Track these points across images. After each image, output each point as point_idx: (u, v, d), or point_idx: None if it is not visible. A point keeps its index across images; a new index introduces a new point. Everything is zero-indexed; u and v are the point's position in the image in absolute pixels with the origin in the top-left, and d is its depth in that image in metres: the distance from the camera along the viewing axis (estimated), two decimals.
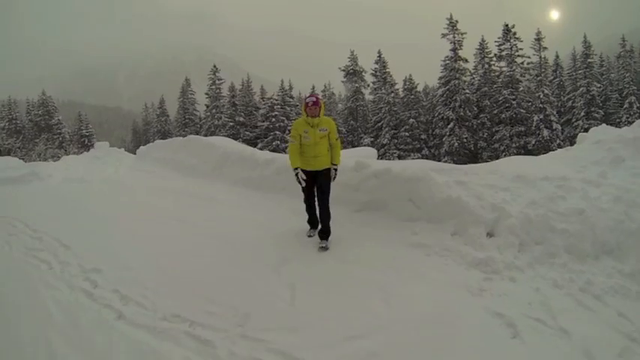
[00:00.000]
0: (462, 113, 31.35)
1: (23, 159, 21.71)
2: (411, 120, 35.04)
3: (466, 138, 31.16)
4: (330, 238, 4.55)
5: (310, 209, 4.78)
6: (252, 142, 34.67)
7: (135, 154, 14.35)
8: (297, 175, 4.46)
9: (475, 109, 32.47)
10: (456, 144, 30.97)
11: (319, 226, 4.64)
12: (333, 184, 4.71)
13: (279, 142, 35.93)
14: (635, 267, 3.72)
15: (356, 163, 5.90)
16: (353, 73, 37.37)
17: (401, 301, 3.27)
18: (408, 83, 37.36)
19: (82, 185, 9.65)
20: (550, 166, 5.71)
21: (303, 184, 4.51)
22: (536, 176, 4.80)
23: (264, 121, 38.74)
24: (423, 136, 35.44)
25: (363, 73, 37.52)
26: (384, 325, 2.94)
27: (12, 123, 48.48)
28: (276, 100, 39.45)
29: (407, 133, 34.78)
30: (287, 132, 37.55)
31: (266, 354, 2.66)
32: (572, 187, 4.57)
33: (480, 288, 3.41)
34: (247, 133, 39.98)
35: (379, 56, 36.63)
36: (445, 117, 32.00)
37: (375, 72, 36.76)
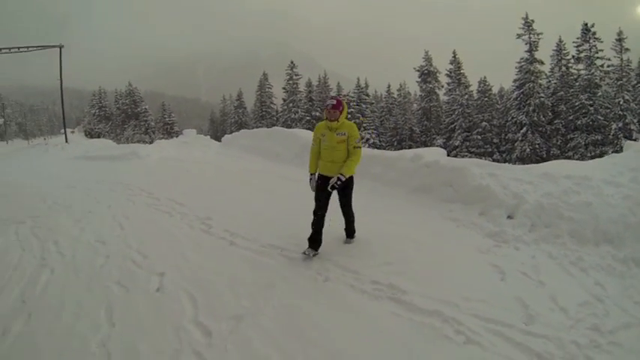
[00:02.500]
0: (535, 118, 30.29)
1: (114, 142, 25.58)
2: (484, 123, 34.48)
3: (538, 144, 30.11)
4: (355, 235, 4.64)
5: (317, 223, 4.26)
6: None
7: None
8: (310, 180, 4.42)
9: (550, 114, 31.11)
10: (528, 150, 29.98)
11: (319, 248, 4.30)
12: (391, 170, 5.76)
13: None
14: (628, 254, 4.37)
15: (413, 154, 7.12)
16: (427, 74, 37.35)
17: (426, 249, 4.38)
18: (482, 85, 36.69)
19: (177, 163, 11.66)
20: (584, 168, 6.33)
21: (313, 191, 4.38)
22: (560, 174, 5.55)
23: None
24: (495, 140, 34.69)
25: (438, 74, 37.32)
26: (410, 259, 4.09)
27: (102, 110, 54.48)
28: (352, 97, 40.40)
29: (479, 136, 34.36)
30: (362, 128, 38.54)
31: (333, 268, 3.94)
32: (589, 185, 5.25)
33: (488, 250, 4.39)
34: None
35: (454, 57, 36.32)
36: (518, 121, 31.08)
37: (450, 73, 36.46)
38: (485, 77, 36.98)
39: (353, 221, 4.58)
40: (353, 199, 4.46)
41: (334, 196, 4.34)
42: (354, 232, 4.65)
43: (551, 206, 4.94)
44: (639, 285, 3.79)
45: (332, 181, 4.10)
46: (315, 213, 4.25)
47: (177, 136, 20.89)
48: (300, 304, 3.32)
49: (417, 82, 38.69)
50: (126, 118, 52.74)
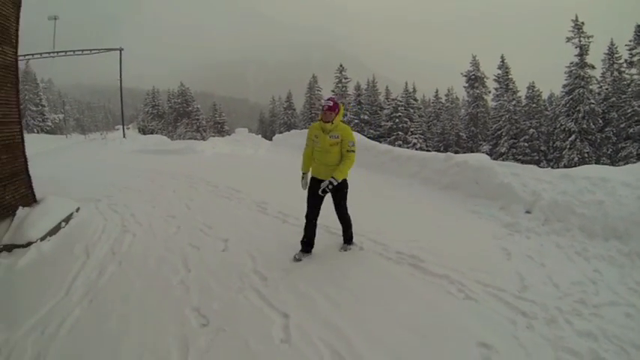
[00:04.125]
0: (585, 125, 29.17)
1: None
2: (532, 130, 33.59)
3: (587, 153, 28.97)
4: (353, 242, 4.63)
5: (308, 229, 4.34)
6: (375, 141, 35.62)
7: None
8: (302, 178, 4.46)
9: (600, 121, 29.81)
10: (576, 159, 28.76)
11: (311, 251, 4.41)
12: (425, 169, 6.59)
13: (401, 143, 36.90)
14: (633, 248, 4.72)
15: (446, 155, 7.86)
16: (474, 79, 36.99)
17: (447, 233, 5.11)
18: (531, 91, 35.74)
19: (231, 158, 12.91)
20: (607, 171, 6.74)
21: (305, 189, 4.42)
22: (579, 175, 6.06)
23: (387, 121, 40.09)
24: (542, 148, 33.61)
25: (485, 79, 36.89)
26: (432, 238, 4.82)
27: (155, 108, 57.44)
28: (400, 101, 40.41)
29: (526, 144, 33.49)
30: (409, 133, 38.90)
31: (367, 241, 4.74)
32: (605, 185, 5.69)
33: (502, 237, 5.01)
34: (371, 131, 41.39)
35: (502, 61, 35.65)
36: (566, 129, 30.02)
37: (498, 78, 35.85)
38: (533, 82, 36.16)
39: (350, 226, 4.52)
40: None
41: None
42: (351, 237, 4.60)
43: (565, 203, 5.48)
44: (637, 275, 4.15)
45: (323, 185, 4.05)
46: (307, 216, 4.31)
47: (228, 135, 22.34)
48: (338, 264, 4.17)
49: (465, 87, 38.43)
50: (178, 116, 55.49)
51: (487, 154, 29.00)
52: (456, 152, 35.85)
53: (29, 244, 5.06)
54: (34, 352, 3.04)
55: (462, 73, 38.16)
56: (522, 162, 31.68)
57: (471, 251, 4.51)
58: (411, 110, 40.32)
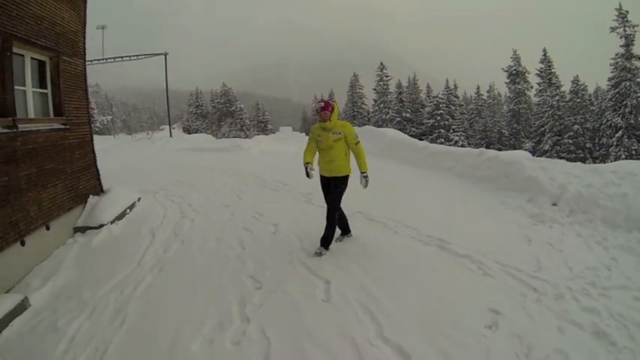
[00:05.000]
0: (632, 121, 27.74)
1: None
2: (576, 126, 32.40)
3: (635, 150, 27.48)
4: (329, 247, 4.66)
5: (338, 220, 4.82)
6: (417, 138, 34.91)
7: None
8: (306, 168, 4.65)
9: None
10: (623, 156, 27.14)
11: (349, 232, 5.00)
12: (460, 163, 7.22)
13: (443, 140, 36.69)
14: None
15: (479, 151, 8.33)
16: (516, 74, 36.08)
17: (474, 220, 5.63)
18: (575, 85, 34.33)
19: (277, 155, 13.76)
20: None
21: (312, 177, 4.63)
22: (607, 170, 6.32)
23: (429, 119, 39.86)
24: (587, 145, 32.33)
25: (527, 74, 35.88)
26: (460, 225, 5.39)
27: (198, 108, 59.61)
28: (442, 99, 40.05)
29: (570, 141, 32.35)
30: (451, 130, 38.65)
31: (401, 226, 5.34)
32: (632, 179, 5.83)
33: (525, 226, 5.39)
34: (413, 129, 41.31)
35: (544, 55, 34.39)
36: (613, 124, 28.70)
37: (540, 72, 34.69)
38: (577, 76, 34.83)
39: (332, 227, 4.63)
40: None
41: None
42: (328, 241, 4.64)
43: (589, 195, 5.77)
44: None
45: (362, 184, 4.52)
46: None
47: (272, 134, 23.25)
48: (374, 243, 4.81)
49: (506, 82, 37.67)
50: (221, 116, 57.65)
51: (530, 151, 28.48)
52: (499, 150, 34.89)
53: (101, 226, 6.07)
54: (115, 306, 3.84)
55: (502, 69, 37.41)
56: (567, 160, 30.53)
57: (494, 237, 4.95)
58: (453, 107, 39.87)
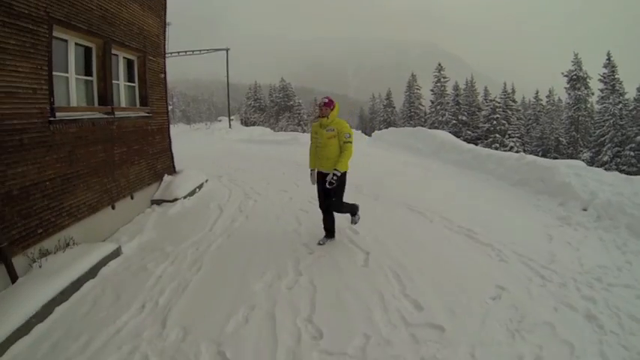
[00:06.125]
0: None
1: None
2: (639, 137, 30.95)
3: None
4: (357, 214, 5.33)
5: (324, 218, 5.22)
6: (473, 142, 34.05)
7: None
8: (311, 175, 5.04)
9: None
10: None
11: (331, 236, 5.25)
12: (500, 166, 7.99)
13: (497, 145, 35.97)
14: None
15: (519, 155, 8.83)
16: (576, 79, 34.44)
17: (503, 217, 6.25)
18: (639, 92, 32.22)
19: None
20: None
21: (314, 185, 5.05)
22: None
23: (485, 123, 39.39)
24: None
25: (588, 80, 34.08)
26: (489, 221, 5.96)
27: (257, 102, 61.56)
28: (499, 102, 39.33)
29: (632, 153, 30.57)
30: (507, 136, 37.81)
31: (438, 218, 6.17)
32: None
33: (551, 226, 5.90)
34: (469, 132, 41.11)
35: (608, 59, 32.38)
36: None
37: (604, 77, 32.74)
38: None
39: (345, 208, 5.09)
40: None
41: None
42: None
43: (617, 203, 6.16)
44: None
45: (328, 179, 4.58)
46: (320, 207, 5.12)
47: None
48: (411, 228, 5.73)
49: (566, 88, 36.06)
50: (279, 110, 59.79)
51: (587, 162, 27.37)
52: (555, 159, 33.46)
53: (176, 200, 7.38)
54: (192, 257, 4.98)
55: (562, 73, 35.88)
56: (627, 173, 28.64)
57: (518, 232, 5.57)
58: (510, 112, 38.88)
